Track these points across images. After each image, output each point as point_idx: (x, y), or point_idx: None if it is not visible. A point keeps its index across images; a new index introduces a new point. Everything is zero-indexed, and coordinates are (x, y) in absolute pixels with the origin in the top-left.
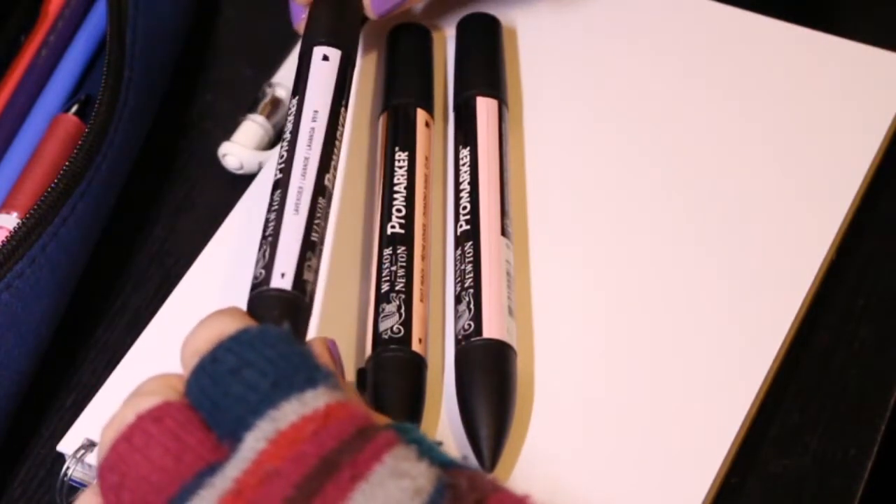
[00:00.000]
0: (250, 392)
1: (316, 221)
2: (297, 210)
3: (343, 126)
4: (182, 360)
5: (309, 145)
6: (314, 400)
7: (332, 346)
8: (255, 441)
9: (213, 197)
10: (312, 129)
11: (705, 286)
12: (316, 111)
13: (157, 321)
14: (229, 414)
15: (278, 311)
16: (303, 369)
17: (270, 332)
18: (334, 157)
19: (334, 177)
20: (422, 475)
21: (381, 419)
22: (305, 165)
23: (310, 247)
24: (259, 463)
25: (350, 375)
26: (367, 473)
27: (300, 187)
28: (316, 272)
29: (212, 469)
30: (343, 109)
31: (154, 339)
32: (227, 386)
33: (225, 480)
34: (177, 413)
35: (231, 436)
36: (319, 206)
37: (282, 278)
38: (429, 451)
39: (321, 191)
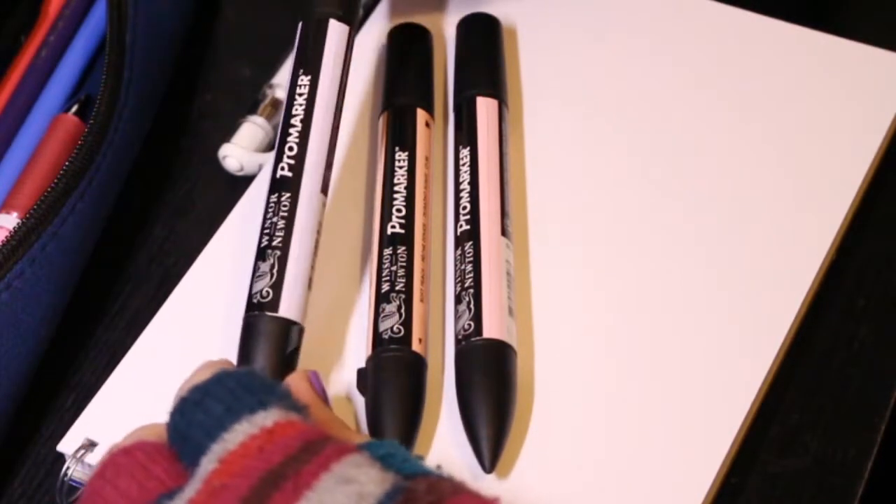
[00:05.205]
0: (208, 419)
1: (267, 223)
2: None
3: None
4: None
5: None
6: (263, 420)
7: (313, 378)
8: (207, 463)
9: (213, 197)
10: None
11: (705, 286)
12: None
13: (157, 321)
14: (193, 442)
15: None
16: (256, 393)
17: (241, 371)
18: (288, 139)
19: (296, 163)
20: (371, 481)
21: (361, 439)
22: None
23: (259, 256)
24: (209, 482)
25: (351, 375)
26: (314, 483)
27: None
28: (269, 275)
29: (171, 494)
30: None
31: (154, 339)
32: (192, 416)
33: (180, 501)
34: (147, 447)
35: (194, 464)
36: (270, 202)
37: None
38: (401, 463)
39: (275, 185)
